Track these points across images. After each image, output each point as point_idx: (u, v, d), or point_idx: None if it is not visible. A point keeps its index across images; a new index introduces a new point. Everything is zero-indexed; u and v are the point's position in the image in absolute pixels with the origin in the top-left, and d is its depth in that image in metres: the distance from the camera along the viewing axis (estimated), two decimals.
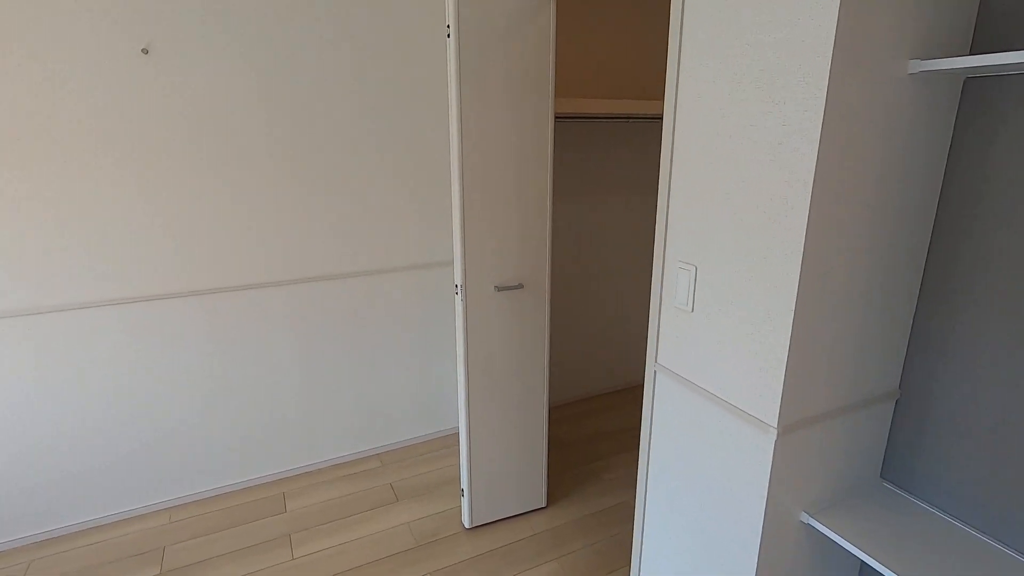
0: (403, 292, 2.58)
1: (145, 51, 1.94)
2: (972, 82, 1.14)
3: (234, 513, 2.31)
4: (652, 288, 1.50)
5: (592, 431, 2.92)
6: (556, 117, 2.47)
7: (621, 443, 2.80)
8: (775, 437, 1.18)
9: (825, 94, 0.99)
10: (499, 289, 1.99)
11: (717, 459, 1.35)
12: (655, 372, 1.53)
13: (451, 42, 1.74)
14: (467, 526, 2.23)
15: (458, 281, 1.95)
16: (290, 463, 2.55)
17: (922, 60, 1.07)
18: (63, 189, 1.92)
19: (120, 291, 2.06)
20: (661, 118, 2.67)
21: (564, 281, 2.99)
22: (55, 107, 1.86)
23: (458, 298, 1.97)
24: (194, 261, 2.15)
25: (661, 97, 2.86)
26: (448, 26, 1.73)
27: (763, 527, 1.25)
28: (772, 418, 1.19)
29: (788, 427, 1.19)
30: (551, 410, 3.11)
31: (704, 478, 1.40)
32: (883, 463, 1.42)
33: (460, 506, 2.36)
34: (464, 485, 2.19)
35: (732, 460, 1.31)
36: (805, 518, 1.31)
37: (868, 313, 1.22)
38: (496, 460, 2.19)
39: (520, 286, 2.02)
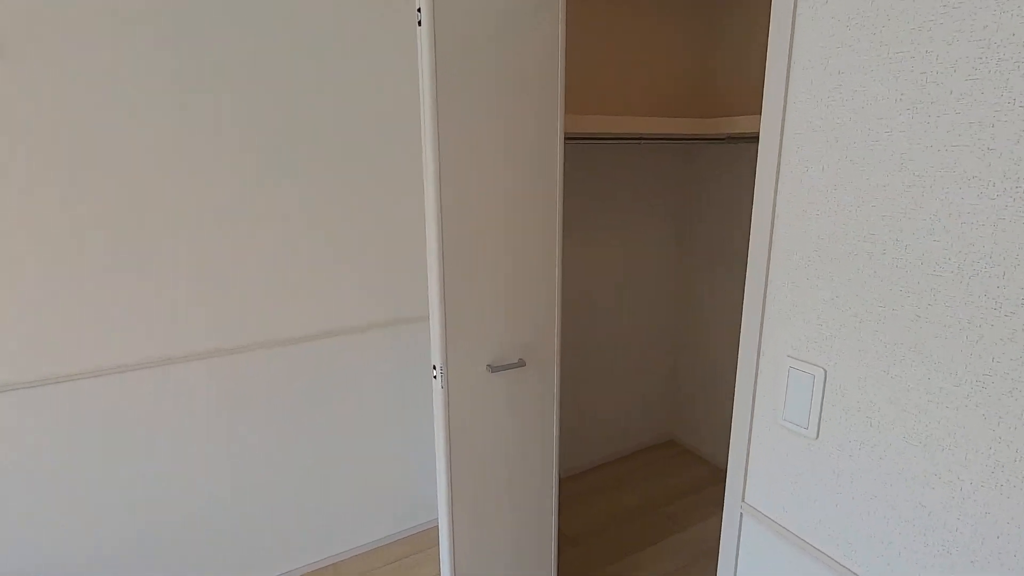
0: (366, 357, 2.01)
1: None
2: None
3: None
4: (736, 389, 1.00)
5: (602, 517, 2.38)
6: (566, 138, 1.96)
7: (638, 534, 2.27)
8: None
9: None
10: (493, 370, 1.45)
11: None
12: (740, 515, 1.02)
13: (423, 32, 1.23)
14: None
15: (436, 362, 1.41)
16: None
17: None
18: None
19: None
20: (695, 139, 2.22)
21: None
22: None
23: (436, 384, 1.43)
24: (68, 336, 1.54)
25: (696, 114, 2.41)
26: (419, 10, 1.22)
27: None
28: None
29: None
30: None
31: None
32: None
33: None
34: None
35: None
36: None
37: None
38: None
39: (521, 363, 1.49)
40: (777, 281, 0.90)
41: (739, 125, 2.06)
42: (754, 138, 2.13)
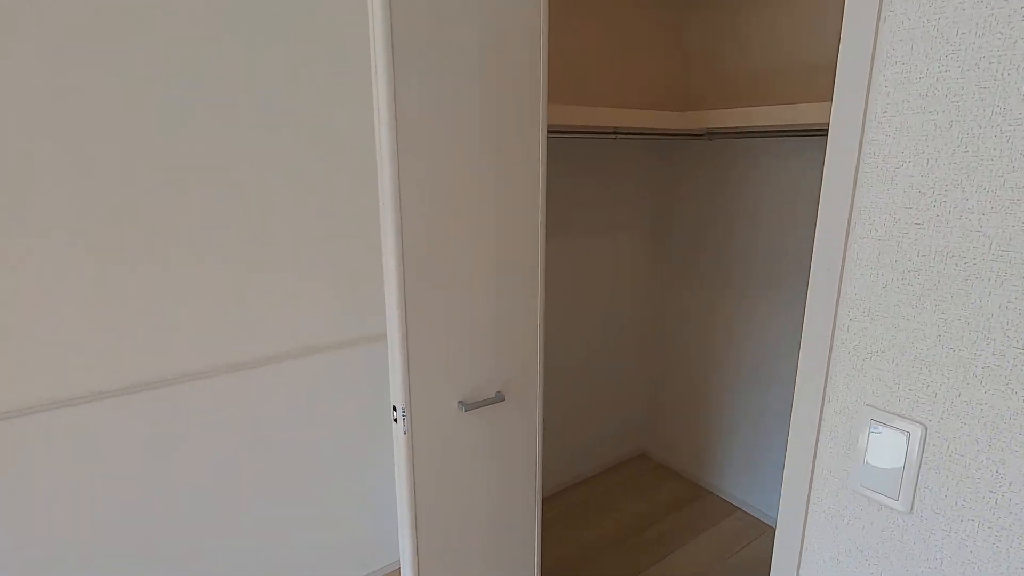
0: (317, 383, 1.70)
1: None
2: None
3: None
4: (789, 443, 0.79)
5: (580, 546, 2.17)
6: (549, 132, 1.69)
7: (621, 564, 2.08)
8: None
9: None
10: (467, 407, 1.20)
11: None
12: None
13: None
14: None
15: (397, 402, 1.15)
16: None
17: None
18: None
19: None
20: (674, 135, 2.04)
21: None
22: None
23: (397, 428, 1.16)
24: None
25: (669, 108, 2.23)
26: None
27: None
28: None
29: None
30: None
31: None
32: None
33: None
34: None
35: None
36: None
37: None
38: None
39: (500, 398, 1.25)
40: (852, 309, 0.70)
41: (718, 120, 1.90)
42: (737, 134, 1.97)
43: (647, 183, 2.39)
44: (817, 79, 1.82)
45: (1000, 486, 0.60)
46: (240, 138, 1.42)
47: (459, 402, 1.21)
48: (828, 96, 1.80)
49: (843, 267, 0.70)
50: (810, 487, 0.77)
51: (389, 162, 1.03)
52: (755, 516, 2.31)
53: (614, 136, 1.93)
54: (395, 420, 1.17)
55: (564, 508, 2.40)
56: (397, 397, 1.15)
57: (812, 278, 0.73)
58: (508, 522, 1.38)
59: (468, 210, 1.14)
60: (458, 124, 1.09)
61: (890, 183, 0.64)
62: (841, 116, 0.67)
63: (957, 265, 0.60)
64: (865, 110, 0.65)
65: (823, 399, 0.74)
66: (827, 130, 1.78)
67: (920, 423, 0.65)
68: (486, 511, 1.32)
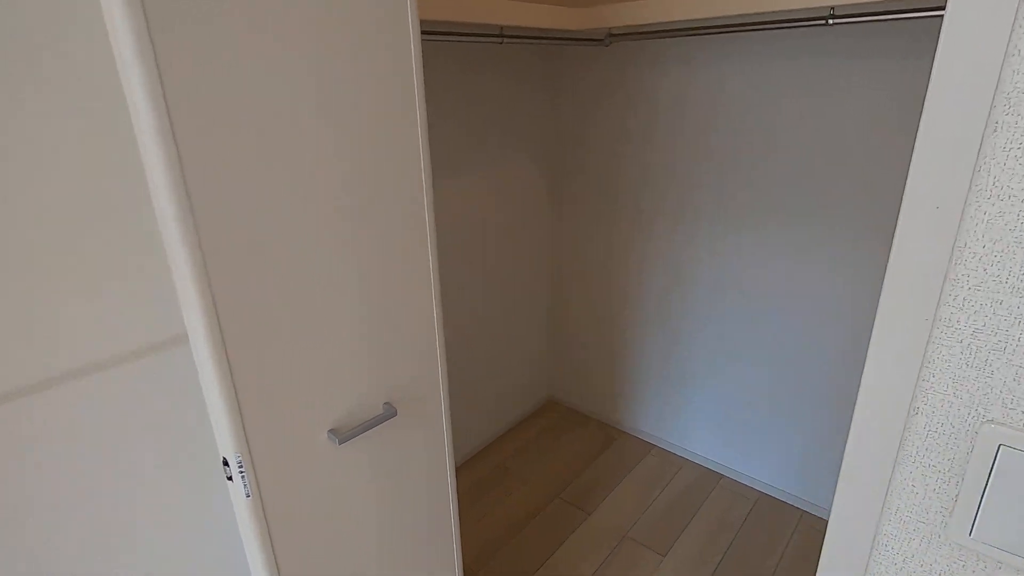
0: (112, 409, 1.18)
1: None
2: None
3: None
4: (843, 467, 0.53)
5: (496, 528, 1.94)
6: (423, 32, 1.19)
7: (541, 538, 1.89)
8: None
9: None
10: (343, 438, 0.82)
11: None
12: None
13: None
14: None
15: (228, 453, 0.74)
16: None
17: None
18: None
19: None
20: (570, 40, 1.65)
21: None
22: None
23: (236, 489, 0.76)
24: None
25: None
26: None
27: None
28: None
29: None
30: None
31: None
32: None
33: None
34: None
35: None
36: None
37: None
38: None
39: (390, 412, 0.88)
40: (977, 273, 0.42)
41: (623, 15, 1.56)
42: (642, 35, 1.65)
43: (539, 99, 2.02)
44: None
45: None
46: None
47: (329, 431, 0.82)
48: None
49: (966, 201, 0.41)
50: (875, 535, 0.52)
51: (146, 111, 0.55)
52: (670, 451, 2.24)
53: (500, 39, 1.52)
54: (229, 479, 0.76)
55: (473, 482, 2.14)
56: (226, 446, 0.73)
57: (903, 218, 0.44)
58: (417, 557, 1.05)
59: (302, 149, 0.70)
60: (258, 35, 0.63)
61: None
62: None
63: None
64: None
65: (908, 409, 0.48)
66: (755, 25, 1.52)
67: None
68: (386, 558, 0.98)
